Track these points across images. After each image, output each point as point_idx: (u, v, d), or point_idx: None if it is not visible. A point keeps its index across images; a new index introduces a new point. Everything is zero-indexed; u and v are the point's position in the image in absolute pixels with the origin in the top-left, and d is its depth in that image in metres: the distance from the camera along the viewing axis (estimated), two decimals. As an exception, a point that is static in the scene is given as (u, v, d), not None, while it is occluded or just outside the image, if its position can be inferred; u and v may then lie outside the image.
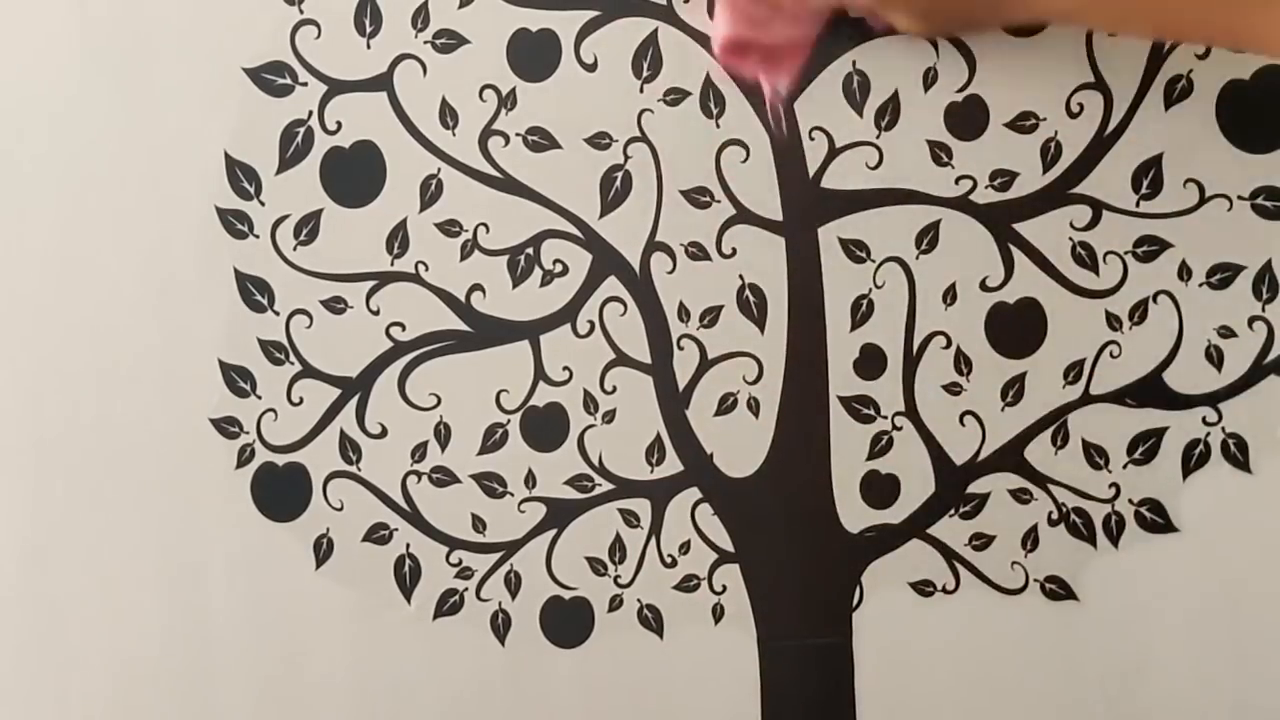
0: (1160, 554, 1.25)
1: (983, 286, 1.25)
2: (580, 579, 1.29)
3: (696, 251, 1.25)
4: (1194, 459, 1.24)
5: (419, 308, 1.27)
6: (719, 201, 1.25)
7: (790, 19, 1.17)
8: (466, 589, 1.29)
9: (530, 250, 1.26)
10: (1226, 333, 1.23)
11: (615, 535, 1.28)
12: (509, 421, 1.28)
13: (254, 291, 1.27)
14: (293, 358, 1.28)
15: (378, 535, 1.29)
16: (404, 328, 1.27)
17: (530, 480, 1.28)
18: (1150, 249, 1.23)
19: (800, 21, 1.18)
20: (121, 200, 1.27)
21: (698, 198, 1.25)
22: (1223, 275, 1.23)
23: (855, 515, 1.27)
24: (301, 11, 1.24)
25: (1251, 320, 1.23)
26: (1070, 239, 1.24)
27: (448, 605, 1.29)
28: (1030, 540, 1.26)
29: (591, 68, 1.24)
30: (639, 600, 1.28)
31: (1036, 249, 1.24)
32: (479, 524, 1.28)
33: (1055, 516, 1.26)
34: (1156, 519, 1.25)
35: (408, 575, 1.29)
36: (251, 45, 1.25)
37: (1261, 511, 1.24)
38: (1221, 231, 1.22)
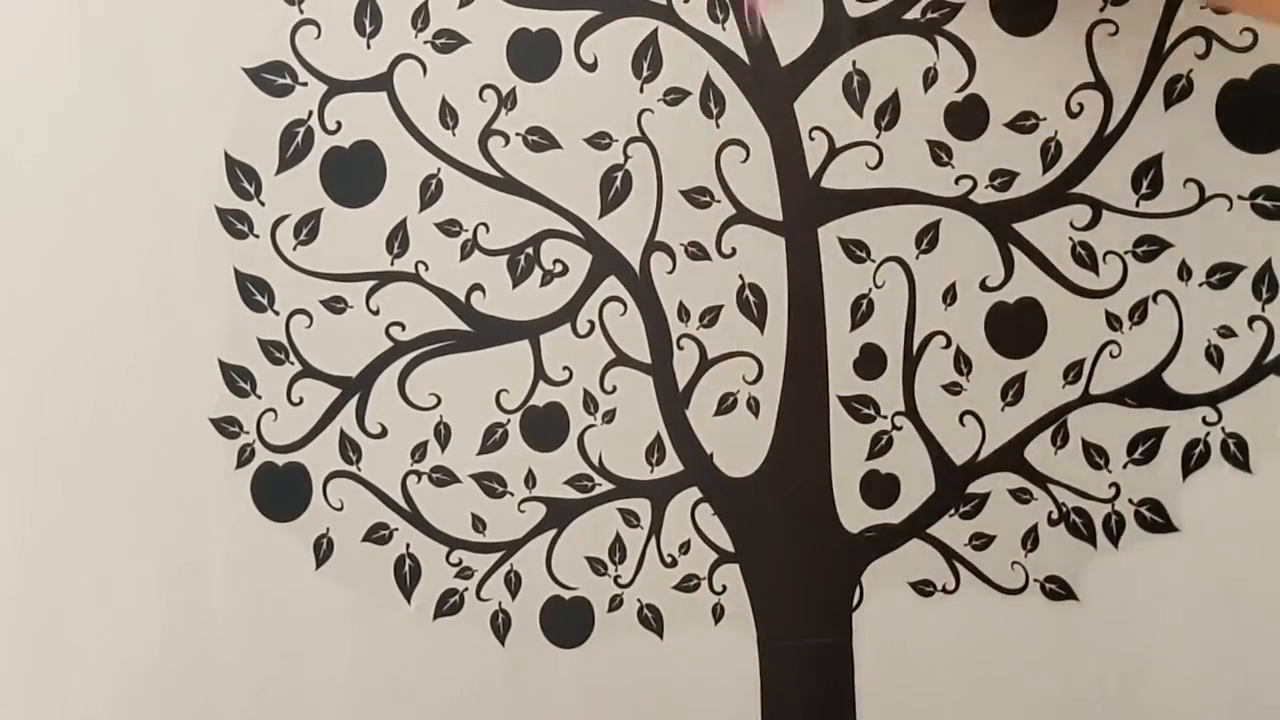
0: (1160, 554, 1.25)
1: (983, 286, 1.25)
2: (580, 579, 1.29)
3: (696, 251, 1.26)
4: (1194, 459, 1.24)
5: (419, 308, 1.27)
6: (719, 201, 1.25)
7: None
8: (466, 589, 1.29)
9: (530, 250, 1.26)
10: (1226, 332, 1.23)
11: (615, 535, 1.28)
12: (509, 421, 1.28)
13: (254, 291, 1.27)
14: (293, 358, 1.28)
15: (378, 535, 1.29)
16: (404, 327, 1.27)
17: (530, 480, 1.28)
18: (1150, 249, 1.23)
19: None
20: (121, 200, 1.27)
21: (698, 198, 1.25)
22: (1223, 275, 1.23)
23: (855, 515, 1.27)
24: (301, 11, 1.24)
25: (1251, 320, 1.23)
26: (1070, 239, 1.24)
27: (448, 605, 1.29)
28: (1030, 540, 1.26)
29: (591, 68, 1.24)
30: (639, 600, 1.28)
31: (1036, 249, 1.24)
32: (479, 524, 1.28)
33: (1055, 516, 1.26)
34: (1156, 519, 1.25)
35: (408, 575, 1.29)
36: (251, 45, 1.25)
37: (1261, 511, 1.24)
38: (1221, 231, 1.22)
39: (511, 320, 1.27)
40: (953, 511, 1.26)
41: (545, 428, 1.27)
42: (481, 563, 1.29)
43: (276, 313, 1.27)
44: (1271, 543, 1.24)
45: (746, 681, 1.28)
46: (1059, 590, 1.26)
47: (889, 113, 1.23)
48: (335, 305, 1.27)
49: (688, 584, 1.28)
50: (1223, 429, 1.24)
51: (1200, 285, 1.23)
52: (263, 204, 1.26)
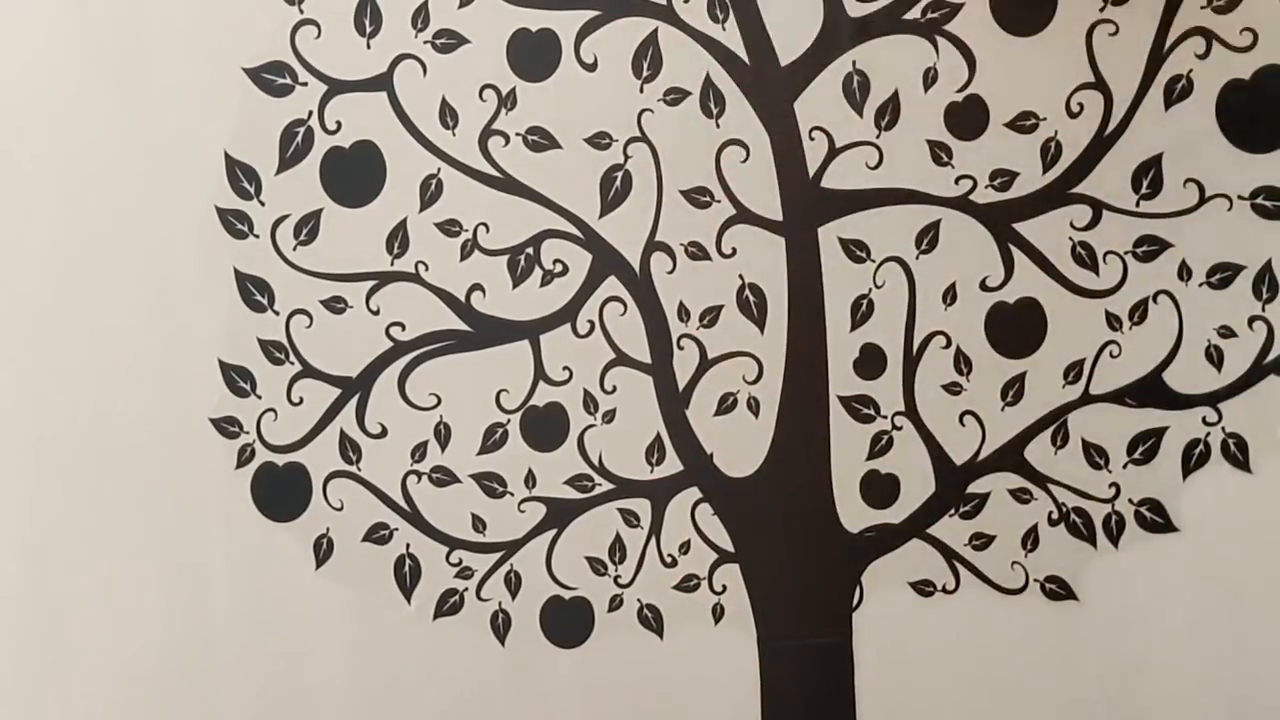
0: (1160, 554, 1.25)
1: (983, 286, 1.25)
2: (580, 579, 1.29)
3: (696, 251, 1.25)
4: (1194, 459, 1.24)
5: (419, 308, 1.27)
6: (719, 201, 1.25)
7: None
8: (466, 589, 1.29)
9: (530, 250, 1.26)
10: (1226, 333, 1.23)
11: (615, 535, 1.28)
12: (509, 421, 1.28)
13: (254, 291, 1.27)
14: (293, 358, 1.28)
15: (378, 535, 1.29)
16: (404, 328, 1.27)
17: (530, 480, 1.28)
18: (1150, 249, 1.23)
19: None
20: (121, 200, 1.27)
21: (698, 198, 1.25)
22: (1223, 275, 1.23)
23: (855, 515, 1.27)
24: (301, 11, 1.24)
25: (1251, 320, 1.23)
26: (1070, 239, 1.23)
27: (448, 605, 1.29)
28: (1030, 540, 1.26)
29: (591, 68, 1.24)
30: (639, 600, 1.28)
31: (1036, 249, 1.24)
32: (479, 524, 1.28)
33: (1055, 516, 1.26)
34: (1156, 519, 1.25)
35: (408, 575, 1.29)
36: (251, 45, 1.25)
37: (1261, 511, 1.24)
38: (1221, 231, 1.22)
39: (511, 320, 1.27)
40: (953, 511, 1.26)
41: (545, 428, 1.27)
42: (481, 563, 1.29)
43: (276, 313, 1.27)
44: (1271, 543, 1.24)
45: (746, 681, 1.28)
46: (1059, 590, 1.26)
47: (889, 113, 1.23)
48: (335, 305, 1.27)
49: (688, 584, 1.28)
50: (1223, 429, 1.24)
51: (1200, 285, 1.23)
52: (263, 204, 1.26)
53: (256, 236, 1.26)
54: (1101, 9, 1.20)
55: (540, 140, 1.24)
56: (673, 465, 1.27)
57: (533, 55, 1.24)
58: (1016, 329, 1.25)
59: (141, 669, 1.30)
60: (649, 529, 1.28)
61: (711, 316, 1.26)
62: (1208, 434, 1.24)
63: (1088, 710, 1.26)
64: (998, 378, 1.25)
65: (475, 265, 1.26)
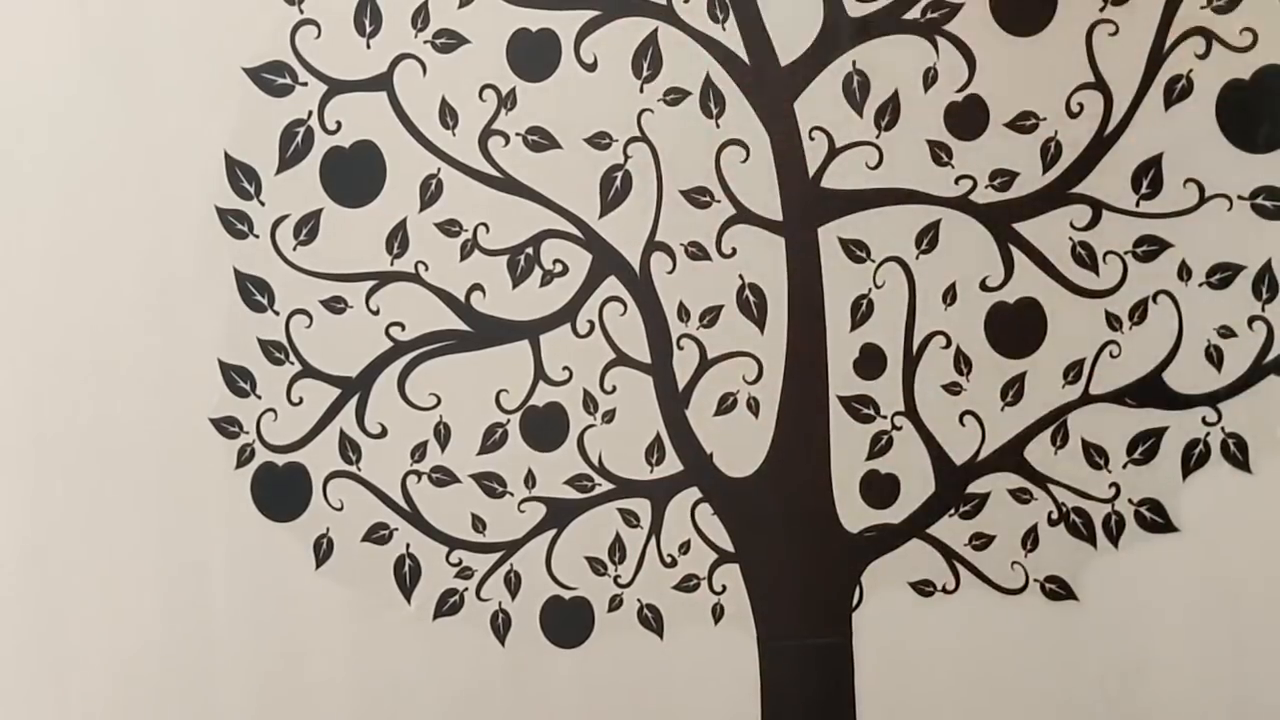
0: (1160, 554, 1.25)
1: (983, 286, 1.25)
2: (580, 579, 1.29)
3: (696, 251, 1.26)
4: (1194, 459, 1.24)
5: (419, 308, 1.27)
6: (719, 201, 1.25)
7: None
8: (466, 589, 1.29)
9: (530, 250, 1.26)
10: (1226, 333, 1.23)
11: (615, 535, 1.28)
12: (509, 421, 1.28)
13: (254, 291, 1.27)
14: (293, 358, 1.28)
15: (378, 535, 1.29)
16: (404, 328, 1.27)
17: (530, 480, 1.28)
18: (1150, 249, 1.23)
19: None
20: (121, 200, 1.27)
21: (698, 198, 1.25)
22: (1223, 275, 1.23)
23: (855, 515, 1.27)
24: (301, 11, 1.24)
25: (1251, 320, 1.23)
26: (1070, 239, 1.24)
27: (448, 605, 1.29)
28: (1030, 540, 1.26)
29: (591, 68, 1.24)
30: (639, 600, 1.28)
31: (1036, 249, 1.24)
32: (479, 524, 1.28)
33: (1055, 516, 1.26)
34: (1156, 519, 1.25)
35: (408, 575, 1.29)
36: (251, 45, 1.25)
37: (1261, 511, 1.24)
38: (1221, 231, 1.22)
39: (511, 320, 1.27)
40: (953, 511, 1.26)
41: (545, 428, 1.27)
42: (481, 563, 1.29)
43: (276, 313, 1.27)
44: (1271, 543, 1.24)
45: (746, 681, 1.28)
46: (1059, 590, 1.26)
47: (889, 113, 1.23)
48: (335, 305, 1.27)
49: (688, 584, 1.28)
50: (1223, 429, 1.24)
51: (1200, 285, 1.23)
52: (263, 204, 1.26)
53: (256, 236, 1.26)
54: (1101, 9, 1.21)
55: (540, 140, 1.24)
56: (673, 465, 1.27)
57: (533, 55, 1.24)
58: (1016, 329, 1.25)
59: (141, 669, 1.30)
60: (649, 529, 1.28)
61: (711, 316, 1.26)
62: (1208, 434, 1.24)
63: (1088, 710, 1.26)
64: (998, 378, 1.25)
65: (475, 265, 1.26)
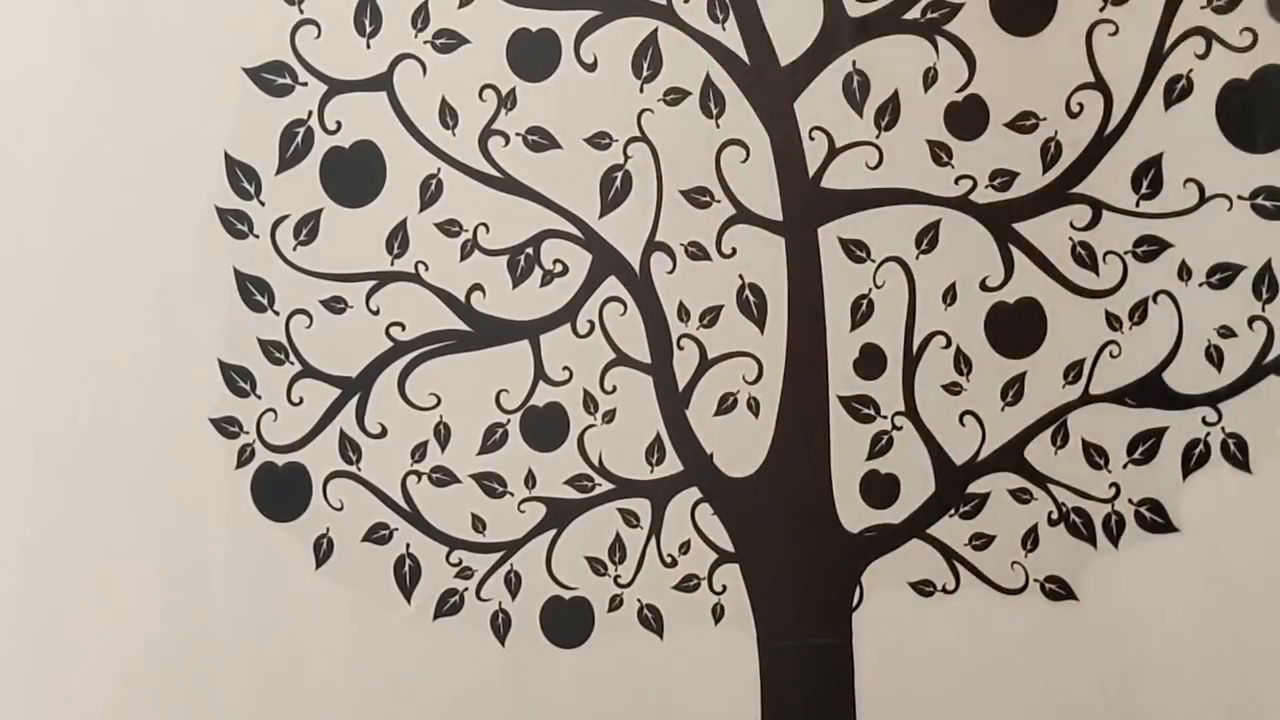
0: (1160, 554, 1.25)
1: (983, 286, 1.25)
2: (580, 579, 1.29)
3: (696, 251, 1.25)
4: (1194, 459, 1.24)
5: (419, 308, 1.27)
6: (719, 201, 1.25)
7: None
8: (466, 589, 1.29)
9: (530, 250, 1.26)
10: (1226, 333, 1.23)
11: (615, 535, 1.28)
12: (509, 421, 1.28)
13: (254, 291, 1.27)
14: (293, 358, 1.28)
15: (378, 535, 1.29)
16: (404, 328, 1.27)
17: (530, 480, 1.28)
18: (1150, 249, 1.23)
19: None
20: (121, 200, 1.27)
21: (698, 198, 1.25)
22: (1223, 275, 1.23)
23: (855, 515, 1.27)
24: (301, 11, 1.24)
25: (1251, 320, 1.23)
26: (1070, 239, 1.24)
27: (448, 605, 1.29)
28: (1030, 540, 1.26)
29: (591, 68, 1.24)
30: (639, 600, 1.28)
31: (1036, 249, 1.24)
32: (479, 524, 1.28)
33: (1055, 516, 1.26)
34: (1156, 519, 1.25)
35: (408, 575, 1.29)
36: (251, 45, 1.25)
37: (1261, 511, 1.24)
38: (1221, 231, 1.22)
39: (511, 320, 1.27)
40: (953, 511, 1.26)
41: (545, 428, 1.27)
42: (481, 563, 1.29)
43: (276, 313, 1.27)
44: (1271, 543, 1.24)
45: (746, 681, 1.28)
46: (1059, 590, 1.26)
47: (889, 113, 1.23)
48: (335, 305, 1.27)
49: (688, 584, 1.28)
50: (1223, 429, 1.24)
51: (1200, 285, 1.23)
52: (263, 204, 1.26)
53: (256, 236, 1.26)
54: (1101, 9, 1.21)
55: (540, 140, 1.24)
56: (673, 465, 1.27)
57: (533, 55, 1.24)
58: (1016, 329, 1.25)
59: (141, 669, 1.30)
60: (649, 529, 1.28)
61: (711, 316, 1.26)
62: (1208, 434, 1.24)
63: (1088, 710, 1.26)
64: (998, 378, 1.25)
65: (475, 265, 1.26)
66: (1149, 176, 1.22)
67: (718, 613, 1.28)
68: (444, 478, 1.28)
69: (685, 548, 1.28)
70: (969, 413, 1.25)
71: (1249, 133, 1.21)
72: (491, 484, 1.28)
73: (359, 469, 1.28)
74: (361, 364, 1.27)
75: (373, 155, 1.25)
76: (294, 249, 1.26)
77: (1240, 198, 1.22)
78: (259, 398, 1.28)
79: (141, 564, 1.29)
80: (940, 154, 1.23)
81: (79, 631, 1.30)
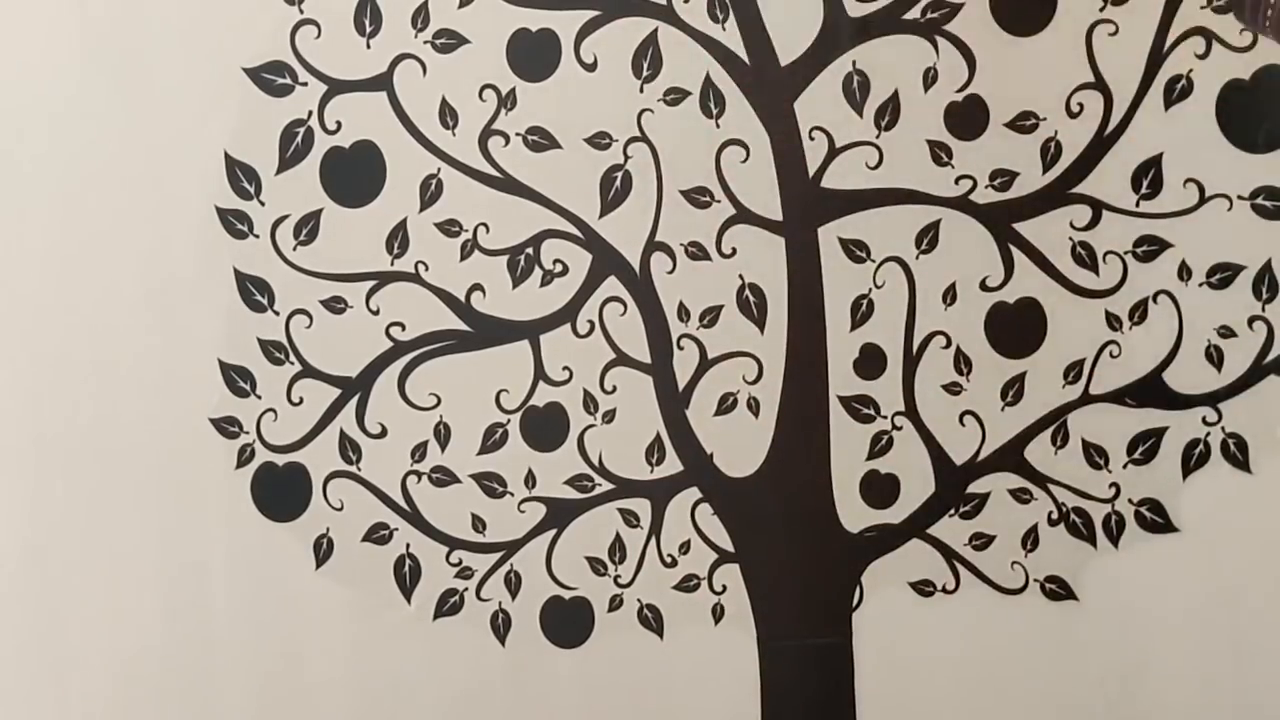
0: (1160, 554, 1.25)
1: (983, 286, 1.25)
2: (580, 579, 1.29)
3: (696, 251, 1.26)
4: (1194, 459, 1.24)
5: (419, 308, 1.27)
6: (719, 201, 1.25)
7: None
8: (466, 589, 1.29)
9: (530, 250, 1.26)
10: (1226, 333, 1.23)
11: (615, 535, 1.28)
12: (509, 421, 1.28)
13: (254, 291, 1.27)
14: (293, 358, 1.28)
15: (378, 535, 1.29)
16: (404, 328, 1.27)
17: (530, 480, 1.28)
18: (1150, 249, 1.23)
19: None
20: (121, 200, 1.27)
21: (698, 198, 1.25)
22: (1223, 275, 1.23)
23: (855, 515, 1.27)
24: (301, 11, 1.24)
25: (1251, 320, 1.23)
26: (1070, 239, 1.24)
27: (448, 605, 1.29)
28: (1030, 540, 1.26)
29: (591, 68, 1.24)
30: (639, 600, 1.28)
31: (1036, 249, 1.24)
32: (479, 524, 1.28)
33: (1055, 516, 1.26)
34: (1156, 519, 1.25)
35: (408, 575, 1.29)
36: (251, 45, 1.25)
37: (1261, 511, 1.24)
38: (1221, 231, 1.22)
39: (511, 320, 1.27)
40: (953, 511, 1.26)
41: (545, 428, 1.27)
42: (481, 563, 1.29)
43: (276, 313, 1.27)
44: (1271, 543, 1.24)
45: (746, 681, 1.28)
46: (1059, 590, 1.26)
47: (889, 113, 1.23)
48: (335, 305, 1.27)
49: (688, 584, 1.28)
50: (1223, 429, 1.24)
51: (1200, 285, 1.23)
52: (263, 204, 1.26)
53: (256, 236, 1.26)
54: (1101, 9, 1.21)
55: (540, 140, 1.24)
56: (673, 465, 1.27)
57: (533, 55, 1.24)
58: (1016, 329, 1.25)
59: (141, 669, 1.30)
60: (649, 529, 1.28)
61: (711, 316, 1.26)
62: (1208, 434, 1.24)
63: (1088, 709, 1.26)
64: (998, 378, 1.25)
65: (475, 265, 1.26)
66: (1149, 176, 1.22)
67: (718, 613, 1.28)
68: (444, 478, 1.28)
69: (685, 548, 1.28)
70: (969, 413, 1.25)
71: (1249, 133, 1.21)
72: (491, 484, 1.28)
73: (359, 469, 1.28)
74: (361, 364, 1.27)
75: (373, 155, 1.25)
76: (294, 249, 1.26)
77: (1240, 198, 1.22)
78: (259, 398, 1.28)
79: (141, 564, 1.29)
80: (940, 154, 1.23)
81: (79, 631, 1.30)
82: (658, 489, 1.27)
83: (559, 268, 1.26)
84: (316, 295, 1.27)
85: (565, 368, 1.27)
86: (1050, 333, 1.24)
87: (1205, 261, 1.22)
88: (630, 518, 1.28)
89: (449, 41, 1.24)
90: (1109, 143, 1.22)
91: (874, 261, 1.25)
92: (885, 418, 1.26)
